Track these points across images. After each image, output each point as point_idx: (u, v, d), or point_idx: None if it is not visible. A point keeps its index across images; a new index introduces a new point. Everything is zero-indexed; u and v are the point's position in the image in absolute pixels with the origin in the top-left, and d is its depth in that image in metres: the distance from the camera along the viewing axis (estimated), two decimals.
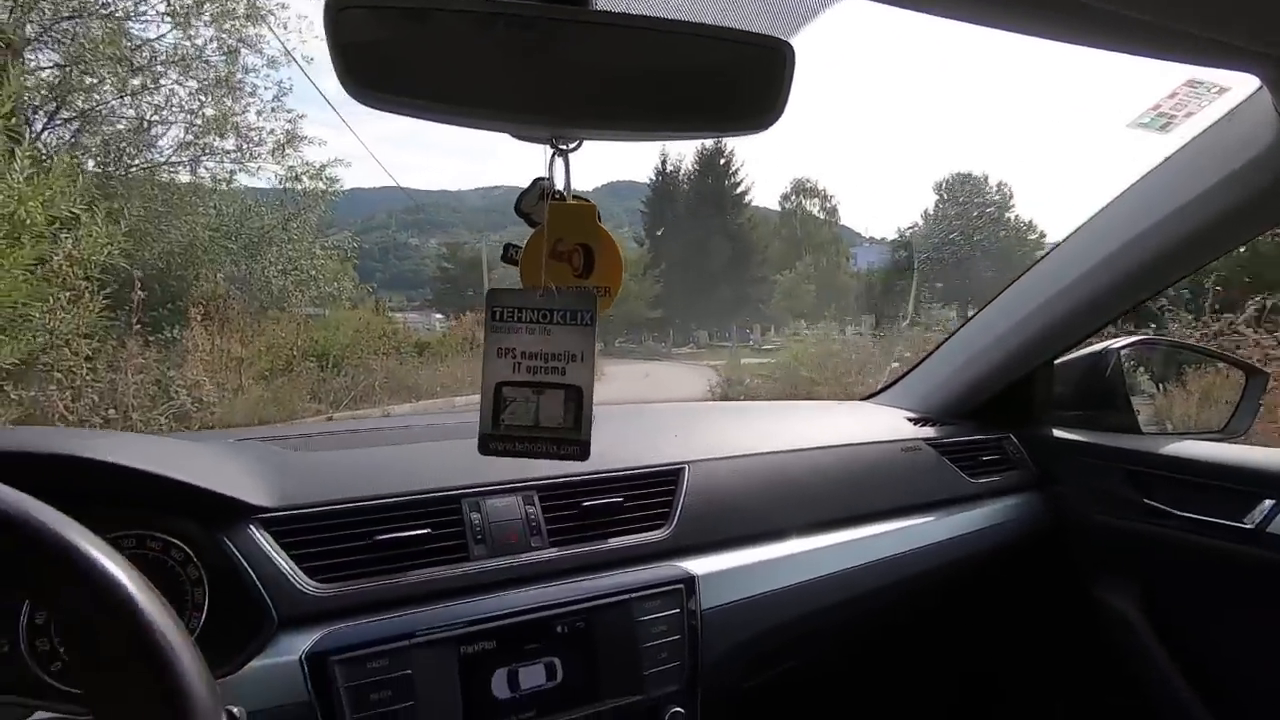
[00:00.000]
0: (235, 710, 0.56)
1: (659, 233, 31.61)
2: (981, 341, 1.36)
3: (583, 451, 0.61)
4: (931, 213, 31.84)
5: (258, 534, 0.73)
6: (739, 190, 33.45)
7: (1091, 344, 1.37)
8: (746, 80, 0.52)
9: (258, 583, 0.70)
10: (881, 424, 1.32)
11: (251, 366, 6.40)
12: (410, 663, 0.70)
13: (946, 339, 1.51)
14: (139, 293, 4.98)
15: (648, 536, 0.91)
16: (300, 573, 0.73)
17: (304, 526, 0.76)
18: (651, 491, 0.95)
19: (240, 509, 0.74)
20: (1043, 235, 30.95)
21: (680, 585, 0.86)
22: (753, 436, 1.14)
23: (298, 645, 0.69)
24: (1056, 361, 1.37)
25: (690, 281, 29.74)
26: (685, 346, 27.21)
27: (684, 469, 0.99)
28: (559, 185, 0.59)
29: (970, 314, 1.51)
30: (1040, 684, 1.40)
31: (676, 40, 0.52)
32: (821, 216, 36.15)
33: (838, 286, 32.28)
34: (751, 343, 25.55)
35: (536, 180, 0.60)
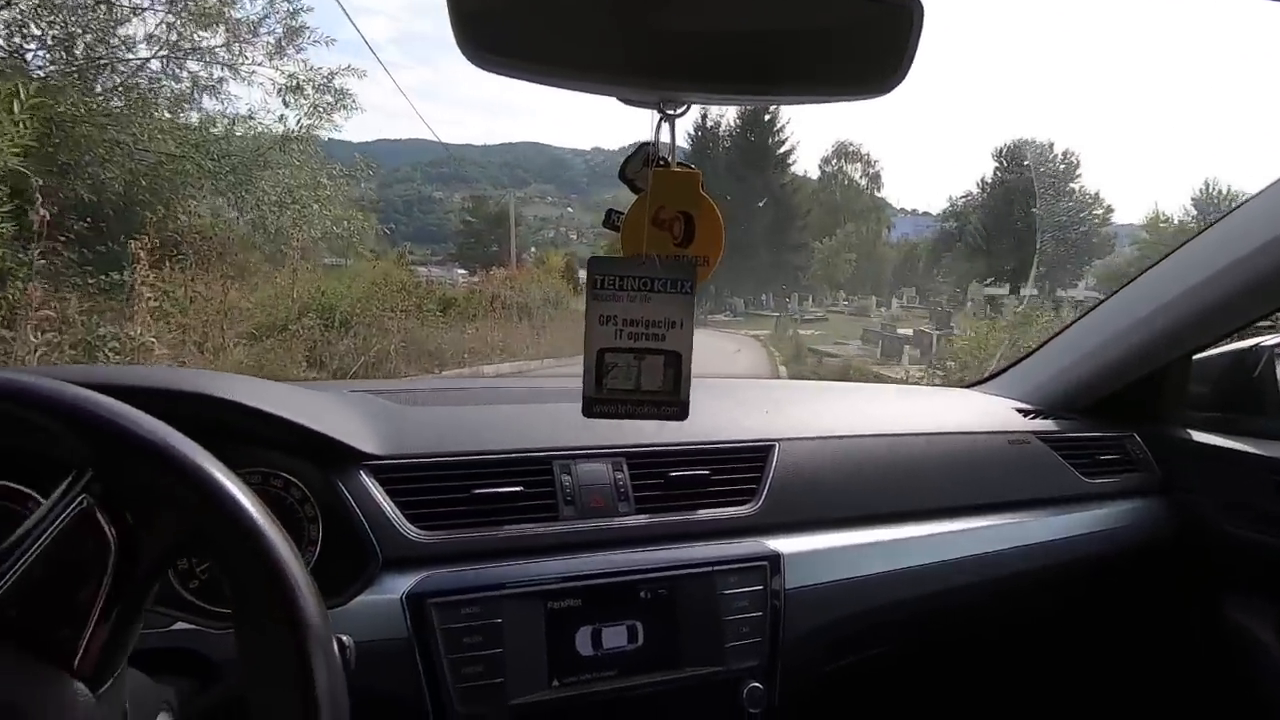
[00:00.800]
0: (344, 639, 0.61)
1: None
2: (1108, 330, 1.25)
3: (682, 411, 0.63)
4: (990, 180, 29.26)
5: (367, 479, 0.78)
6: (783, 149, 31.15)
7: (1235, 340, 1.24)
8: (868, 41, 0.49)
9: (365, 524, 0.75)
10: (988, 413, 1.25)
11: (238, 323, 5.28)
12: (500, 612, 0.73)
13: (1066, 326, 1.40)
14: (40, 211, 3.59)
15: (734, 511, 0.90)
16: (403, 518, 0.77)
17: (408, 475, 0.80)
18: (740, 466, 0.94)
19: (353, 455, 0.79)
20: (1110, 209, 28.44)
21: (765, 562, 0.85)
22: (847, 418, 1.10)
23: (399, 586, 0.73)
24: (1195, 357, 1.25)
25: (728, 245, 29.27)
26: (721, 314, 25.10)
27: (774, 446, 0.97)
28: (664, 151, 0.58)
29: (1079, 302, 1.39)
30: (1145, 705, 1.30)
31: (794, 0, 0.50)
32: (863, 184, 34.02)
33: (877, 257, 31.22)
34: (791, 312, 23.79)
35: (641, 145, 0.59)
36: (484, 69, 0.49)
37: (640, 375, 0.62)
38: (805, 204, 30.95)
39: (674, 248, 0.61)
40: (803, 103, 0.55)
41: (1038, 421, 1.24)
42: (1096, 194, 29.70)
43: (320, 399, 0.90)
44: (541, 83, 0.51)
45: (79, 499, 0.43)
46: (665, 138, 0.57)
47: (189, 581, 0.76)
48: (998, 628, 1.10)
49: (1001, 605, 1.06)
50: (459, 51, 0.48)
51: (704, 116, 29.56)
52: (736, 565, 0.84)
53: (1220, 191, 23.65)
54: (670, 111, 0.56)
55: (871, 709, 1.04)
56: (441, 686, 0.70)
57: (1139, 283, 1.24)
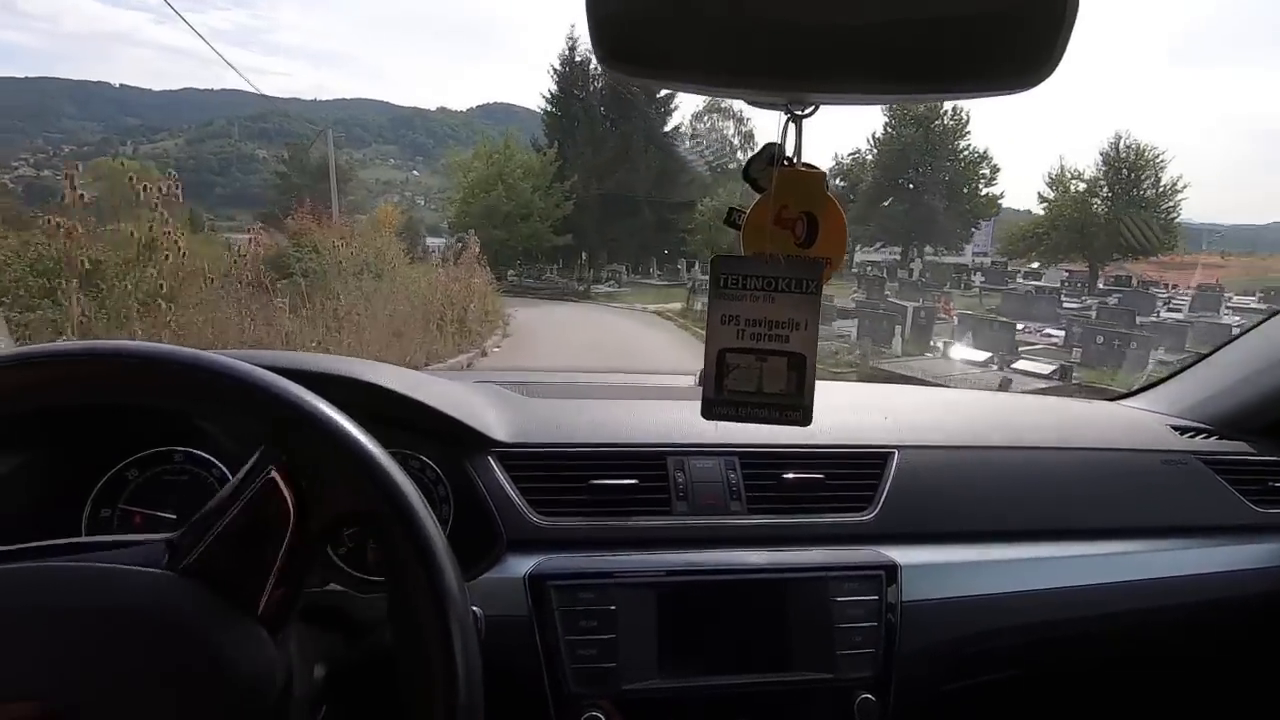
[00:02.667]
0: (476, 610, 0.66)
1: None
2: None
3: (805, 417, 0.62)
4: (881, 137, 26.07)
5: (494, 465, 0.83)
6: (665, 92, 25.94)
7: None
8: (1015, 31, 0.47)
9: (492, 506, 0.80)
10: (1139, 429, 1.14)
11: None
12: (615, 599, 0.76)
13: (1235, 337, 1.26)
14: None
15: (849, 518, 0.88)
16: (525, 504, 0.82)
17: (530, 463, 0.85)
18: (856, 472, 0.91)
19: (482, 440, 0.84)
20: (995, 169, 26.07)
21: (881, 572, 0.83)
22: (975, 427, 1.05)
23: (521, 567, 0.77)
24: None
25: (608, 203, 23.23)
26: (604, 284, 21.01)
27: (893, 453, 0.94)
28: (789, 151, 0.58)
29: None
30: None
31: None
32: (736, 141, 29.03)
33: None
34: (684, 282, 19.70)
35: (767, 145, 0.59)
36: (619, 74, 0.51)
37: (762, 377, 0.61)
38: (687, 160, 26.34)
39: (795, 247, 0.61)
40: (944, 99, 0.53)
41: (1199, 441, 1.12)
42: (985, 152, 26.82)
43: (452, 387, 0.97)
44: (673, 87, 0.53)
45: (267, 470, 0.49)
46: (792, 139, 0.57)
47: (338, 548, 0.85)
48: (1140, 663, 1.01)
49: (1147, 639, 0.97)
50: (596, 59, 0.51)
51: (571, 49, 24.69)
52: (851, 573, 0.82)
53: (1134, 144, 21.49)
54: (798, 112, 0.56)
55: None
56: (558, 665, 0.73)
57: None
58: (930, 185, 26.24)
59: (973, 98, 0.51)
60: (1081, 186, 22.84)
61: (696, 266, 21.52)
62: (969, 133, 26.52)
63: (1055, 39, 0.46)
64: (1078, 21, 0.45)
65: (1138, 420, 1.20)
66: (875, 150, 27.37)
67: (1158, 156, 21.79)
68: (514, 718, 0.75)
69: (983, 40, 0.48)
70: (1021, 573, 0.89)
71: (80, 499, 0.81)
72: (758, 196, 0.60)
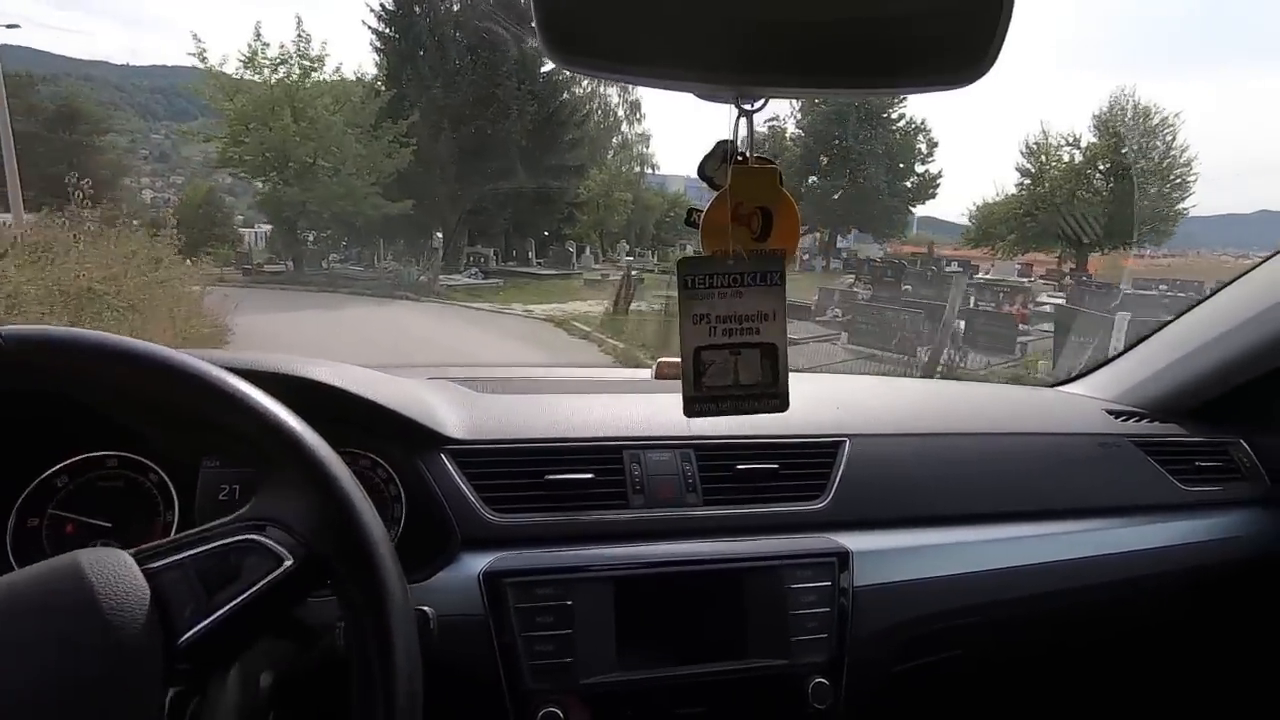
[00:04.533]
0: (427, 609, 0.65)
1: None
2: (1214, 330, 1.17)
3: (783, 403, 0.65)
4: (798, 107, 22.53)
5: (447, 462, 0.82)
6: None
7: None
8: (954, 28, 0.48)
9: (445, 505, 0.79)
10: (1075, 414, 1.19)
11: None
12: (572, 594, 0.76)
13: (1163, 325, 1.32)
14: None
15: (802, 506, 0.90)
16: (479, 500, 0.81)
17: (484, 459, 0.84)
18: (809, 461, 0.93)
19: (435, 438, 0.83)
20: (934, 143, 24.15)
21: (833, 559, 0.84)
22: (922, 415, 1.08)
23: (476, 565, 0.76)
24: None
25: (466, 160, 16.41)
26: (464, 273, 14.98)
27: (844, 442, 0.96)
28: (742, 146, 0.58)
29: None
30: None
31: None
32: (621, 113, 24.37)
33: (645, 204, 22.63)
34: (574, 271, 15.86)
35: (719, 143, 0.59)
36: (567, 67, 0.50)
37: (738, 370, 0.64)
38: (577, 112, 19.53)
39: (752, 242, 0.62)
40: (886, 95, 0.54)
41: (1130, 424, 1.18)
42: (922, 123, 24.10)
43: (403, 384, 0.95)
44: (622, 79, 0.52)
45: (262, 526, 0.50)
46: (744, 134, 0.57)
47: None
48: (1078, 638, 1.05)
49: (1083, 615, 1.02)
50: (543, 48, 0.50)
51: None
52: (805, 560, 0.83)
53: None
54: (747, 107, 0.57)
55: (937, 713, 1.02)
56: (515, 662, 0.73)
57: (1250, 279, 1.16)
58: (866, 158, 22.90)
59: (915, 92, 0.52)
60: (1075, 156, 19.07)
61: (588, 251, 17.70)
62: (905, 100, 21.29)
63: (991, 37, 0.48)
64: (1013, 20, 0.47)
65: (1075, 405, 1.25)
66: (798, 117, 23.82)
67: (1171, 116, 18.38)
68: (471, 716, 0.74)
69: (924, 36, 0.49)
70: (967, 555, 0.92)
71: (3, 509, 0.76)
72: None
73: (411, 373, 1.06)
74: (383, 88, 15.89)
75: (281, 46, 14.72)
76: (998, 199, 21.44)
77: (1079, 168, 19.35)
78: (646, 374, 1.22)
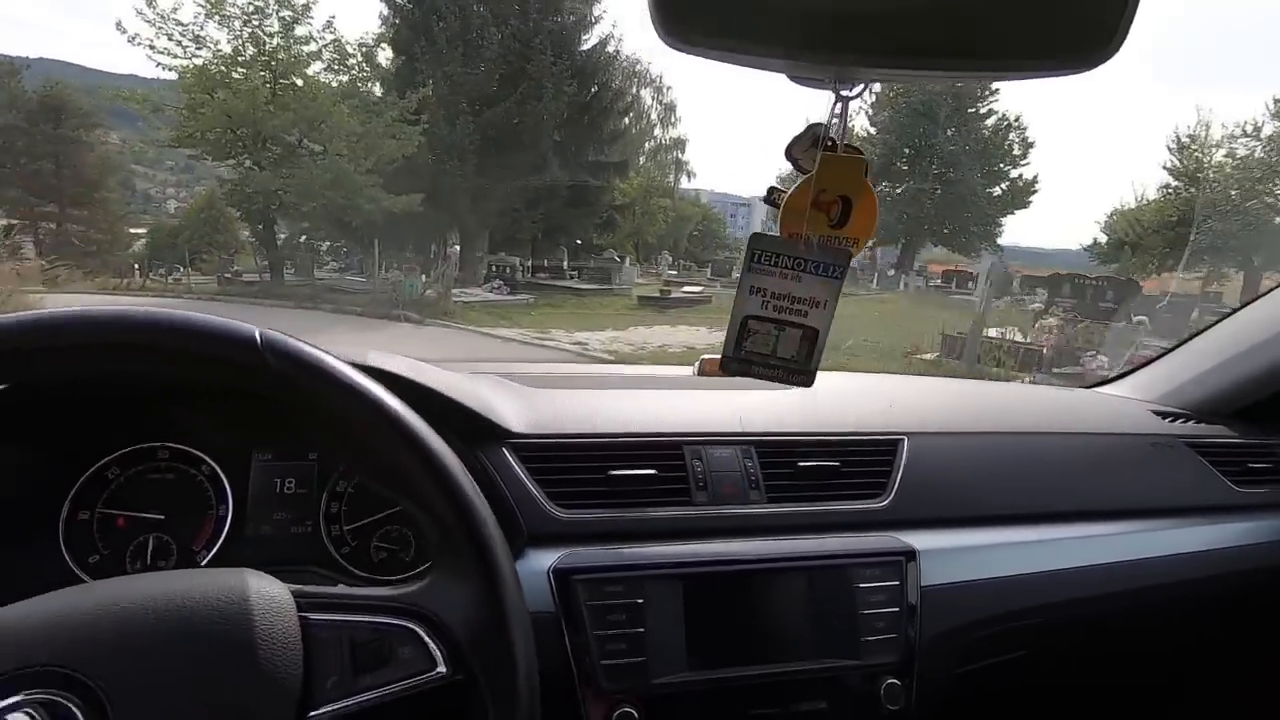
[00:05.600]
0: None
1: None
2: (1268, 330, 1.16)
3: (810, 380, 0.70)
4: (881, 96, 18.64)
5: (509, 456, 0.80)
6: None
7: None
8: (1076, 9, 0.47)
9: (511, 500, 0.77)
10: (1124, 415, 1.18)
11: None
12: (642, 592, 0.74)
13: (1209, 325, 1.31)
14: None
15: (865, 505, 0.89)
16: (543, 496, 0.79)
17: (546, 454, 0.82)
18: (869, 458, 0.92)
19: (497, 432, 0.81)
20: (1029, 143, 19.13)
21: (900, 558, 0.83)
22: (974, 415, 1.07)
23: (544, 562, 0.75)
24: None
25: (489, 149, 13.32)
26: (484, 286, 12.29)
27: (902, 440, 0.95)
28: (834, 133, 0.58)
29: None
30: None
31: None
32: (654, 116, 22.43)
33: (681, 214, 21.51)
34: (618, 286, 12.98)
35: (811, 126, 0.59)
36: (677, 49, 0.49)
37: (778, 343, 0.68)
38: (621, 98, 15.88)
39: (828, 228, 0.63)
40: (998, 79, 0.53)
41: (1180, 425, 1.17)
42: (1017, 119, 20.33)
43: (453, 376, 0.93)
44: (729, 60, 0.52)
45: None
46: (838, 120, 0.57)
47: (340, 548, 0.81)
48: (1137, 638, 1.04)
49: (1142, 615, 1.00)
50: (654, 31, 0.49)
51: None
52: (872, 559, 0.82)
53: None
54: (845, 92, 0.56)
55: (1003, 714, 1.00)
56: (588, 661, 0.71)
57: None
58: (960, 158, 19.13)
59: (1030, 78, 0.51)
60: (1255, 149, 14.09)
61: (627, 263, 14.60)
62: (996, 92, 17.99)
63: (1118, 19, 0.46)
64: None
65: (1121, 406, 1.24)
66: (871, 113, 20.05)
67: None
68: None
69: (1042, 19, 0.48)
70: (1029, 554, 0.91)
71: (56, 501, 0.75)
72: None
73: (459, 365, 1.05)
74: (387, 53, 12.80)
75: None
76: (1142, 204, 17.50)
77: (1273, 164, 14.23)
78: (689, 371, 1.21)
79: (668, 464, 0.85)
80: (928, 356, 7.59)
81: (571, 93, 14.29)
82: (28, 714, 0.38)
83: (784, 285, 0.66)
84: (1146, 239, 16.63)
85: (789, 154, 0.60)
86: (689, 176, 24.09)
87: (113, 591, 0.44)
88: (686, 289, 10.68)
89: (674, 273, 17.98)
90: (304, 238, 14.17)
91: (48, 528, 0.74)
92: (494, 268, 13.46)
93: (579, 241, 15.52)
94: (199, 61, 10.94)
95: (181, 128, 11.20)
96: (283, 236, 13.77)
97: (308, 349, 0.51)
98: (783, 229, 0.63)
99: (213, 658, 0.42)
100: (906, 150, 19.89)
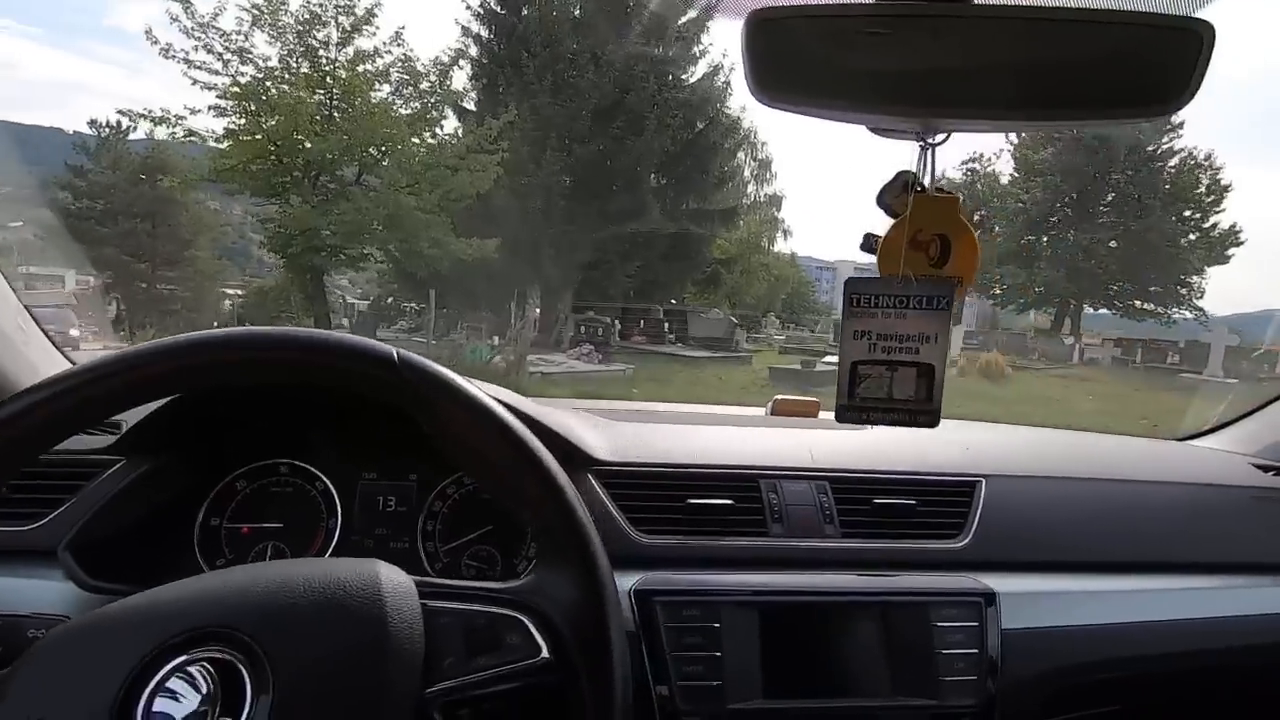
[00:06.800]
0: None
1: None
2: None
3: (934, 420, 0.68)
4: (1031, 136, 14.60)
5: (594, 482, 0.85)
6: (689, 18, 12.71)
7: None
8: (1152, 62, 0.50)
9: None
10: (1222, 467, 1.13)
11: None
12: (719, 617, 0.76)
13: None
14: None
15: (942, 545, 0.88)
16: (625, 521, 0.83)
17: (628, 481, 0.86)
18: (946, 498, 0.92)
19: (582, 458, 0.86)
20: (1224, 188, 15.42)
21: (980, 599, 0.82)
22: (1057, 460, 1.05)
23: (625, 583, 0.78)
24: None
25: (580, 192, 11.51)
26: (563, 353, 10.10)
27: (980, 481, 0.94)
28: (924, 179, 0.61)
29: None
30: None
31: (1068, 27, 0.52)
32: (748, 173, 18.05)
33: (781, 276, 19.66)
34: (738, 351, 11.18)
35: (900, 173, 0.63)
36: (770, 105, 0.55)
37: (892, 385, 0.67)
38: (730, 137, 13.76)
39: (929, 268, 0.64)
40: (1074, 126, 0.56)
41: None
42: (1208, 157, 15.99)
43: (537, 405, 0.99)
44: (818, 115, 0.57)
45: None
46: (926, 166, 0.60)
47: (434, 564, 0.87)
48: (1242, 699, 0.98)
49: (1247, 675, 0.95)
50: (748, 89, 0.55)
51: None
52: (950, 599, 0.81)
53: None
54: (930, 140, 0.60)
55: None
56: (666, 682, 0.73)
57: None
58: (1136, 205, 15.71)
59: (1107, 122, 0.54)
60: None
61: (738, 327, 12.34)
62: (1181, 125, 14.65)
63: (1191, 70, 0.49)
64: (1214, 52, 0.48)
65: (1218, 458, 1.20)
66: (1018, 155, 16.75)
67: None
68: None
69: (1118, 73, 0.51)
70: (1118, 604, 0.88)
71: (193, 507, 0.84)
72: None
73: (546, 400, 1.11)
74: (464, 74, 10.54)
75: None
76: None
77: None
78: (761, 411, 1.23)
79: (744, 495, 0.87)
80: None
81: (677, 125, 12.32)
82: (202, 668, 0.45)
83: (889, 325, 0.66)
84: None
85: (880, 200, 0.64)
86: (785, 235, 21.90)
87: (276, 570, 0.51)
88: (828, 359, 9.39)
89: (781, 337, 15.91)
90: (373, 297, 12.77)
91: (185, 531, 0.83)
92: (581, 328, 11.28)
93: (673, 301, 13.45)
94: (244, 80, 8.99)
95: (219, 158, 9.23)
96: (357, 292, 12.97)
97: (438, 369, 0.57)
98: (882, 270, 0.65)
99: (354, 630, 0.47)
100: (1074, 195, 16.60)
